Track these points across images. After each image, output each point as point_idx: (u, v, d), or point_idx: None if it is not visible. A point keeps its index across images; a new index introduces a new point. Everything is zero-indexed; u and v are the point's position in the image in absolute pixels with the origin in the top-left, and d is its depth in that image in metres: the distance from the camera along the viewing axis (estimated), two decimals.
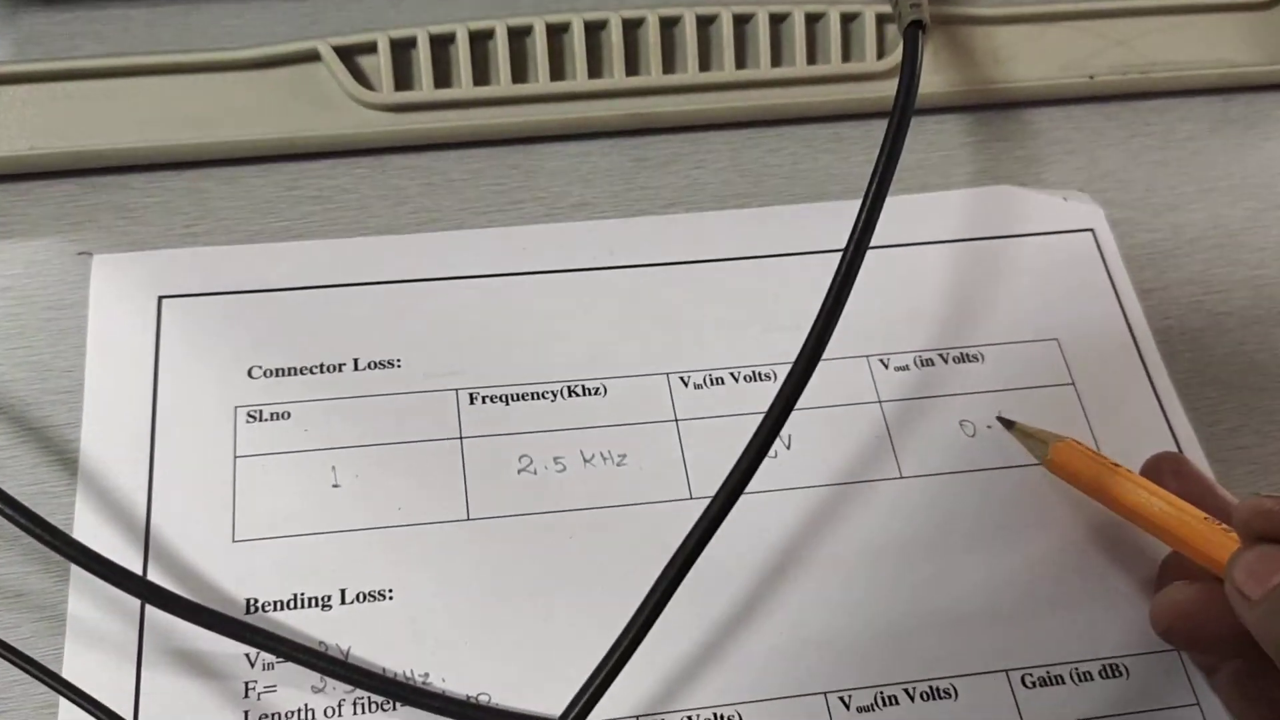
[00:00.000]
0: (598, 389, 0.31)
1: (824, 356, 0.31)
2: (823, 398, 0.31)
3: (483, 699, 0.27)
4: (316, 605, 0.27)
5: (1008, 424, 0.31)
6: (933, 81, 0.36)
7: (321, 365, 0.31)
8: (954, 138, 0.37)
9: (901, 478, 0.30)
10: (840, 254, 0.29)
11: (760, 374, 0.32)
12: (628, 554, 0.29)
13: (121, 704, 0.26)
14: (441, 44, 0.34)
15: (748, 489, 0.28)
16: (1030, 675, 0.28)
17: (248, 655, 0.27)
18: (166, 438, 0.29)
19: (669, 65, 0.35)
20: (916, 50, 0.32)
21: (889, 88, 0.33)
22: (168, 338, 0.31)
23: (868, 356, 0.32)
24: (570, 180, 0.35)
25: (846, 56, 0.36)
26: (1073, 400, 0.32)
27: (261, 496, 0.29)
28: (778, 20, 0.35)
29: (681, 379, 0.32)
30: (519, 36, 0.34)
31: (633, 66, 0.35)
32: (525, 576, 0.28)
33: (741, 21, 0.35)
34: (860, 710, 0.27)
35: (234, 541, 0.28)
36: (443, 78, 0.34)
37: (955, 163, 0.36)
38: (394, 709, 0.26)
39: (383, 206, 0.33)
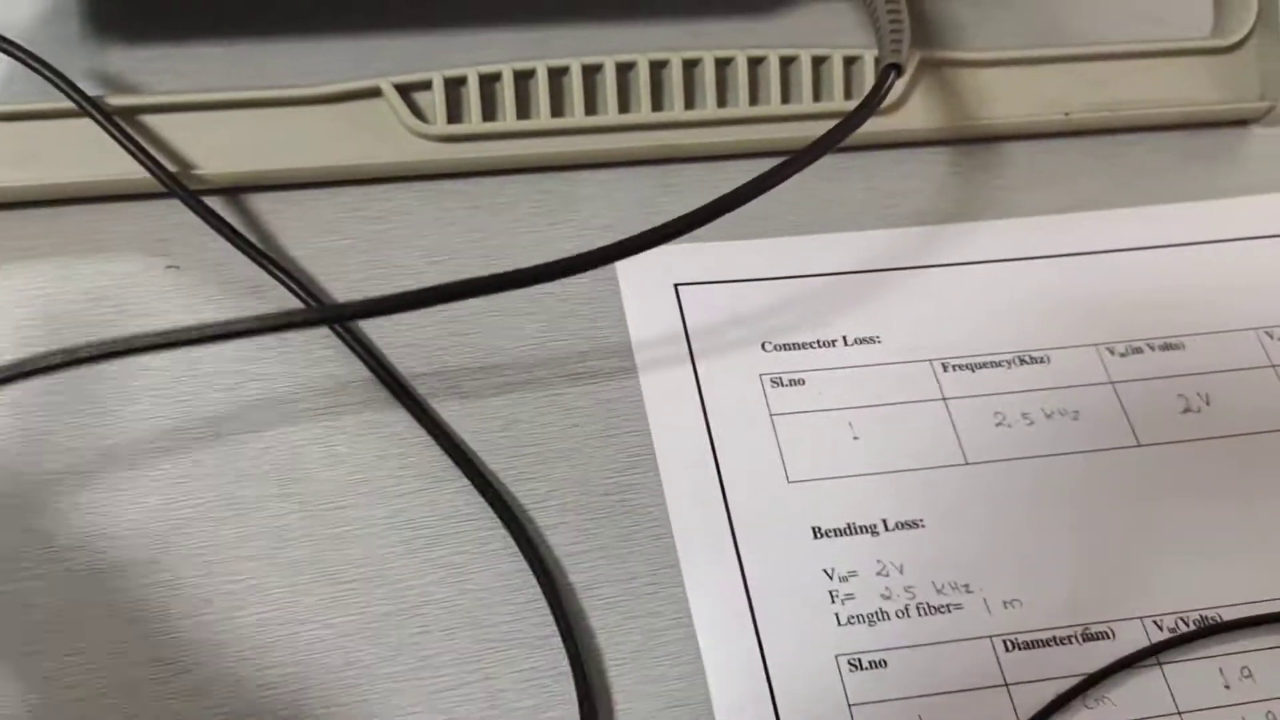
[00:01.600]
0: (1043, 358, 0.37)
1: (1219, 329, 0.38)
2: (1224, 364, 0.38)
3: (1016, 604, 0.33)
4: (866, 532, 0.34)
5: None
6: (924, 118, 0.41)
7: (818, 340, 0.37)
8: (942, 168, 0.41)
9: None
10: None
11: (1170, 344, 0.38)
12: (1092, 488, 0.35)
13: (742, 617, 0.32)
14: (489, 82, 0.38)
15: (1179, 438, 0.35)
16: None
17: (825, 570, 0.33)
18: (712, 401, 0.35)
19: (690, 102, 0.39)
20: (882, 86, 0.35)
21: (892, 121, 0.39)
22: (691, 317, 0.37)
23: (1256, 329, 0.39)
24: (601, 204, 0.39)
25: (848, 95, 0.40)
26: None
27: (800, 446, 0.35)
28: (787, 62, 0.40)
29: (1109, 349, 0.38)
30: (557, 76, 0.38)
31: (658, 103, 0.39)
32: (1020, 504, 0.34)
33: (755, 63, 0.40)
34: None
35: (789, 482, 0.34)
36: (489, 112, 0.38)
37: (943, 190, 0.41)
38: (949, 611, 0.32)
39: (435, 227, 0.38)
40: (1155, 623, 0.33)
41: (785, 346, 0.37)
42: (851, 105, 0.38)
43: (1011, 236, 0.40)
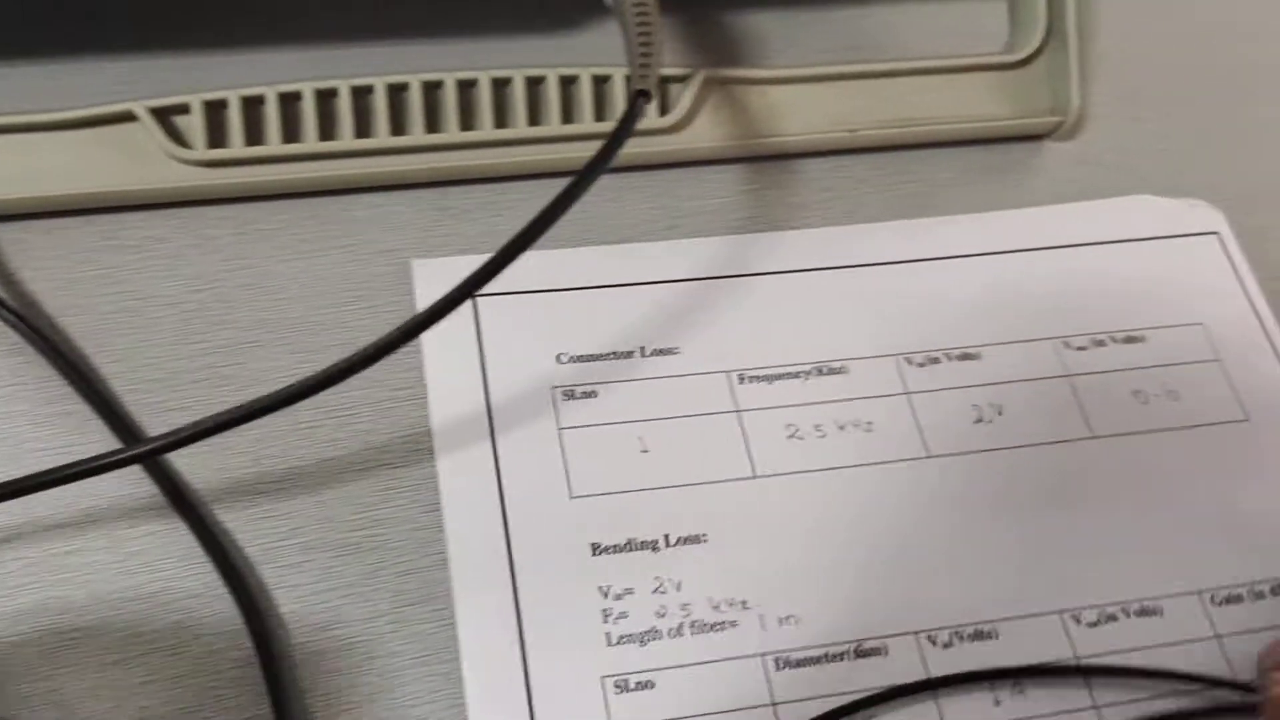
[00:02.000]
0: (842, 369, 0.37)
1: (1018, 339, 0.38)
2: (1020, 374, 0.38)
3: (792, 620, 0.33)
4: (647, 548, 0.33)
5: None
6: (711, 135, 0.40)
7: (614, 352, 0.37)
8: (732, 186, 0.40)
9: (1094, 438, 0.37)
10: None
11: (969, 354, 0.38)
12: (881, 503, 0.35)
13: (510, 639, 0.31)
14: (253, 105, 0.36)
15: (969, 449, 0.35)
16: (1217, 594, 0.35)
17: (600, 588, 0.32)
18: (500, 415, 0.35)
19: (467, 123, 0.38)
20: (633, 115, 0.33)
21: (679, 140, 0.39)
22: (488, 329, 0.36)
23: (1052, 339, 0.39)
24: (376, 228, 0.37)
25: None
26: (1220, 373, 0.39)
27: (587, 461, 0.34)
28: (568, 82, 0.39)
29: (907, 359, 0.38)
30: (326, 98, 0.37)
31: (433, 124, 0.37)
32: (806, 518, 0.34)
33: (535, 83, 0.38)
34: (1090, 625, 0.34)
35: (571, 498, 0.34)
36: (254, 136, 0.36)
37: (732, 208, 0.40)
38: (723, 629, 0.32)
39: (196, 254, 0.36)
40: (929, 638, 0.33)
41: (581, 358, 0.36)
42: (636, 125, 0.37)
43: (815, 246, 0.40)
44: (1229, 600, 0.35)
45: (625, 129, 0.32)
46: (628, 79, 0.36)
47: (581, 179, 0.31)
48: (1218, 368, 0.39)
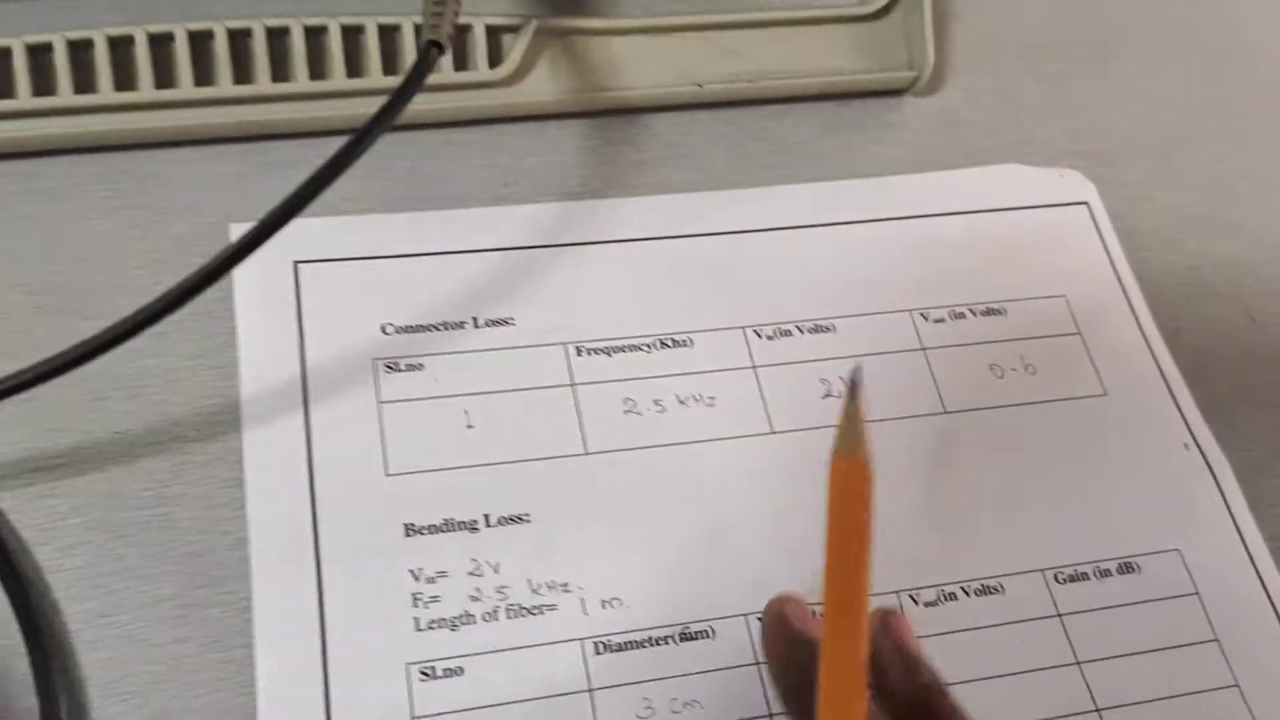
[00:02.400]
0: (686, 341, 0.36)
1: (873, 310, 0.37)
2: (876, 345, 0.37)
3: (615, 603, 0.31)
4: (465, 528, 0.32)
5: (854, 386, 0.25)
6: (551, 89, 0.38)
7: (444, 323, 0.35)
8: (574, 142, 0.38)
9: (946, 413, 0.36)
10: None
11: (821, 326, 0.37)
12: (720, 479, 0.33)
13: (310, 623, 0.30)
14: (41, 53, 0.34)
15: (815, 424, 0.34)
16: (1061, 573, 0.34)
17: (411, 571, 0.31)
18: (316, 387, 0.33)
19: (280, 74, 0.35)
20: (423, 69, 0.31)
21: (514, 93, 0.36)
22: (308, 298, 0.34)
23: (910, 311, 0.38)
24: (188, 186, 0.35)
25: (461, 66, 0.37)
26: (1080, 347, 0.38)
27: (407, 436, 0.33)
28: (389, 31, 0.36)
29: (756, 331, 0.36)
30: (122, 45, 0.34)
31: (243, 75, 0.35)
32: (637, 497, 0.33)
33: (354, 32, 0.36)
34: (926, 605, 0.33)
35: (387, 475, 0.32)
36: (43, 86, 0.34)
37: (574, 165, 0.38)
38: (541, 613, 0.31)
39: None
40: (759, 619, 0.32)
41: (407, 329, 0.35)
42: (463, 78, 0.36)
43: (660, 213, 0.38)
44: (1073, 579, 0.34)
45: (413, 83, 0.30)
46: (417, 29, 0.34)
47: (362, 137, 0.29)
48: (1078, 341, 0.38)
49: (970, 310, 0.38)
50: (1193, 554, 0.35)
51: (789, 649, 0.28)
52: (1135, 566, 0.34)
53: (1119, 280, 0.40)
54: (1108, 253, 0.40)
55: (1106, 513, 0.35)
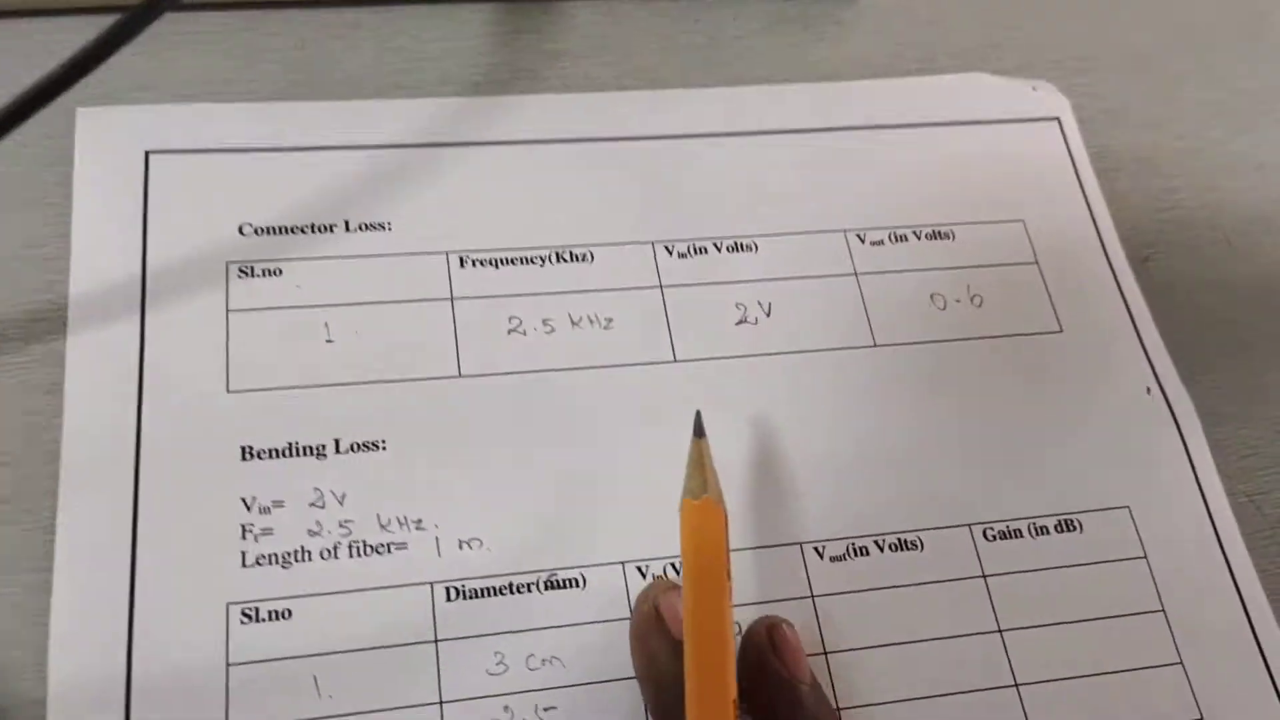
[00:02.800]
0: (585, 255, 0.32)
1: (803, 229, 0.33)
2: (802, 268, 0.32)
3: (474, 544, 0.28)
4: (312, 454, 0.28)
5: (698, 429, 0.26)
6: None
7: (312, 225, 0.31)
8: (483, 27, 0.34)
9: (875, 346, 0.32)
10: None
11: (741, 244, 0.33)
12: (611, 410, 0.30)
13: (119, 551, 0.26)
14: None
15: (721, 354, 0.30)
16: (991, 529, 0.30)
17: (244, 499, 0.27)
18: (156, 290, 0.29)
19: None
20: None
21: None
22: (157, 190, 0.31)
23: (844, 231, 0.33)
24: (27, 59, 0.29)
25: None
26: (1036, 278, 0.34)
27: (255, 349, 0.29)
28: None
29: (666, 248, 0.32)
30: None
31: None
32: (510, 428, 0.29)
33: None
34: (833, 559, 0.29)
35: (229, 391, 0.28)
36: None
37: (479, 53, 0.34)
38: (388, 552, 0.27)
39: None
40: (639, 569, 0.28)
41: (269, 230, 0.31)
42: None
43: (570, 113, 0.34)
44: (1003, 536, 0.30)
45: None
46: None
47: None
48: (1034, 271, 0.34)
49: (914, 233, 0.34)
50: (1143, 512, 0.31)
51: (656, 658, 0.24)
52: (1076, 524, 0.30)
53: (1087, 204, 0.35)
54: (1077, 175, 0.36)
55: (1049, 463, 0.31)
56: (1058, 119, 0.37)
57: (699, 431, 0.26)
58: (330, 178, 0.32)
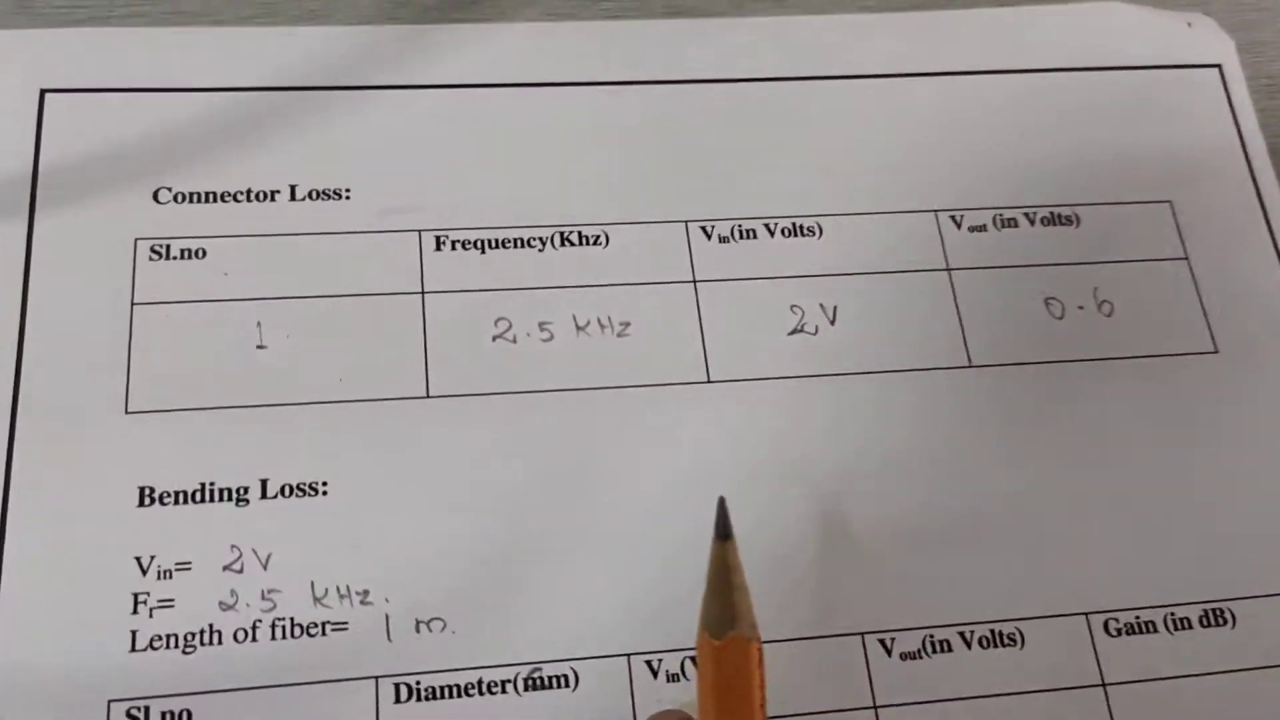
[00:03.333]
0: (598, 237, 0.25)
1: (882, 208, 0.25)
2: (877, 260, 0.25)
3: (435, 625, 0.21)
4: (230, 499, 0.22)
5: (722, 527, 0.19)
6: None
7: (249, 191, 0.24)
8: None
9: (970, 366, 0.24)
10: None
11: (803, 226, 0.25)
12: (625, 447, 0.23)
13: None
14: None
15: (781, 373, 0.23)
16: (1115, 621, 0.23)
17: (139, 559, 0.21)
18: (42, 275, 0.23)
19: None
20: None
21: None
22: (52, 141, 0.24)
23: (936, 211, 0.26)
24: None
25: None
26: (1185, 278, 0.26)
27: (165, 357, 0.22)
28: None
29: (704, 229, 0.25)
30: None
31: None
32: (495, 471, 0.22)
33: None
34: (904, 657, 0.22)
35: (127, 413, 0.22)
36: None
37: None
38: (323, 634, 0.21)
39: None
40: (649, 663, 0.21)
41: (193, 197, 0.24)
42: None
43: (576, 48, 0.26)
44: (1130, 630, 0.23)
45: None
46: None
47: None
48: (1183, 270, 0.26)
49: (1026, 215, 0.26)
50: None
51: None
52: (1228, 615, 0.23)
53: (1254, 182, 0.27)
54: (1242, 141, 0.28)
55: (1196, 532, 0.24)
56: (1219, 66, 0.28)
57: (723, 531, 0.19)
58: (275, 127, 0.25)
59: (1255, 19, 0.29)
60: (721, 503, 0.19)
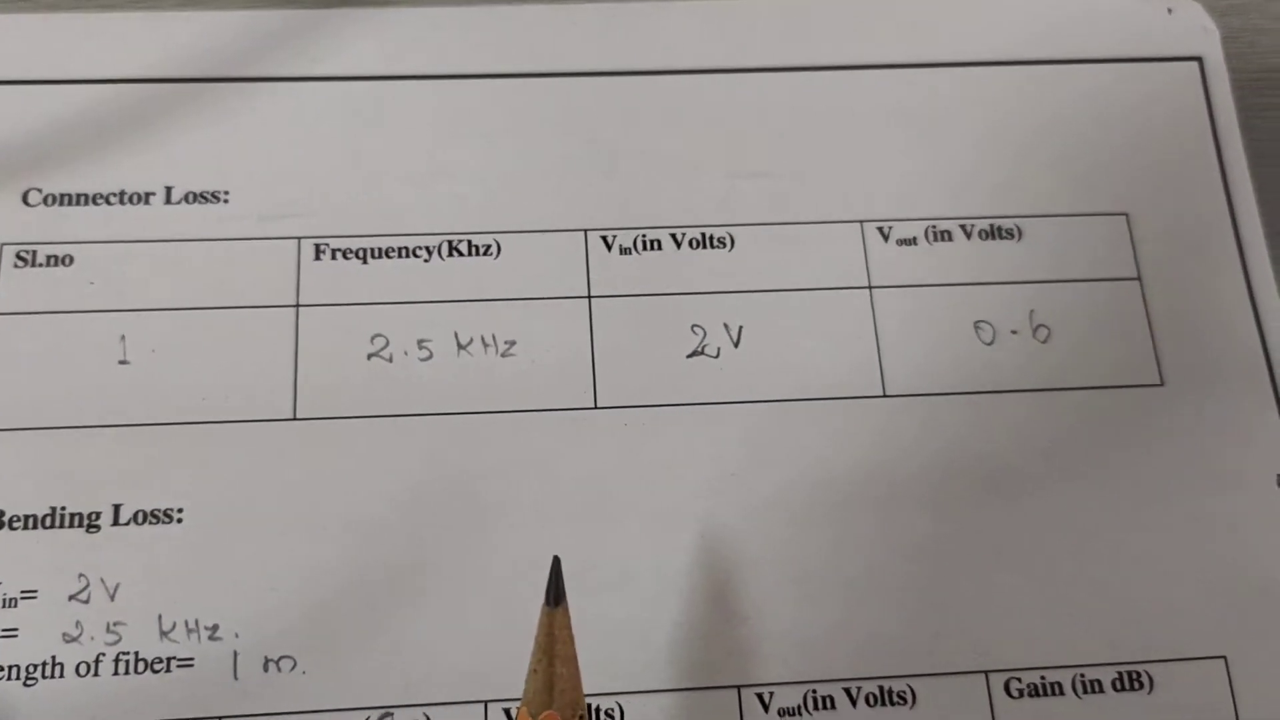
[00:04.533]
0: (489, 247, 0.23)
1: (801, 218, 0.23)
2: (791, 275, 0.23)
3: (284, 664, 0.20)
4: (80, 524, 0.21)
5: (553, 594, 0.17)
6: None
7: (122, 193, 0.23)
8: None
9: (885, 396, 0.23)
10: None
11: (713, 238, 0.24)
12: (504, 476, 0.22)
13: None
14: None
15: (676, 399, 0.21)
16: (1018, 681, 0.21)
17: None
18: None
19: None
20: None
21: None
22: None
23: (862, 222, 0.24)
24: None
25: None
26: (1135, 301, 0.24)
27: (21, 372, 0.22)
28: None
29: (604, 238, 0.23)
30: None
31: None
32: (362, 501, 0.21)
33: None
34: (783, 713, 0.21)
35: None
36: None
37: None
38: (168, 670, 0.20)
39: None
40: (507, 711, 0.20)
41: (63, 199, 0.23)
42: None
43: (473, 33, 0.24)
44: (1034, 692, 0.21)
45: None
46: None
47: None
48: (1133, 291, 0.24)
49: (963, 227, 0.24)
50: (1245, 665, 0.21)
51: None
52: (1144, 679, 0.21)
53: (1227, 194, 0.25)
54: (1218, 147, 0.25)
55: (1117, 587, 0.22)
56: (1199, 59, 0.26)
57: (553, 597, 0.17)
58: (153, 125, 0.23)
59: (1247, 2, 0.26)
60: (555, 564, 0.17)
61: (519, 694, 0.20)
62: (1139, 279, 0.24)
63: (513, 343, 0.22)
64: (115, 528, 0.21)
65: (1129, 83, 0.25)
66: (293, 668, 0.20)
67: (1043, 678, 0.21)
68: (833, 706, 0.21)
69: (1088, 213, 0.24)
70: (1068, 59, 0.25)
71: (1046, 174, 0.24)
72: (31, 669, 0.20)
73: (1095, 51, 0.25)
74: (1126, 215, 0.24)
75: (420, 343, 0.22)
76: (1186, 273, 0.24)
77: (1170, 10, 0.26)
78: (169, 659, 0.20)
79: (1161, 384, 0.23)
